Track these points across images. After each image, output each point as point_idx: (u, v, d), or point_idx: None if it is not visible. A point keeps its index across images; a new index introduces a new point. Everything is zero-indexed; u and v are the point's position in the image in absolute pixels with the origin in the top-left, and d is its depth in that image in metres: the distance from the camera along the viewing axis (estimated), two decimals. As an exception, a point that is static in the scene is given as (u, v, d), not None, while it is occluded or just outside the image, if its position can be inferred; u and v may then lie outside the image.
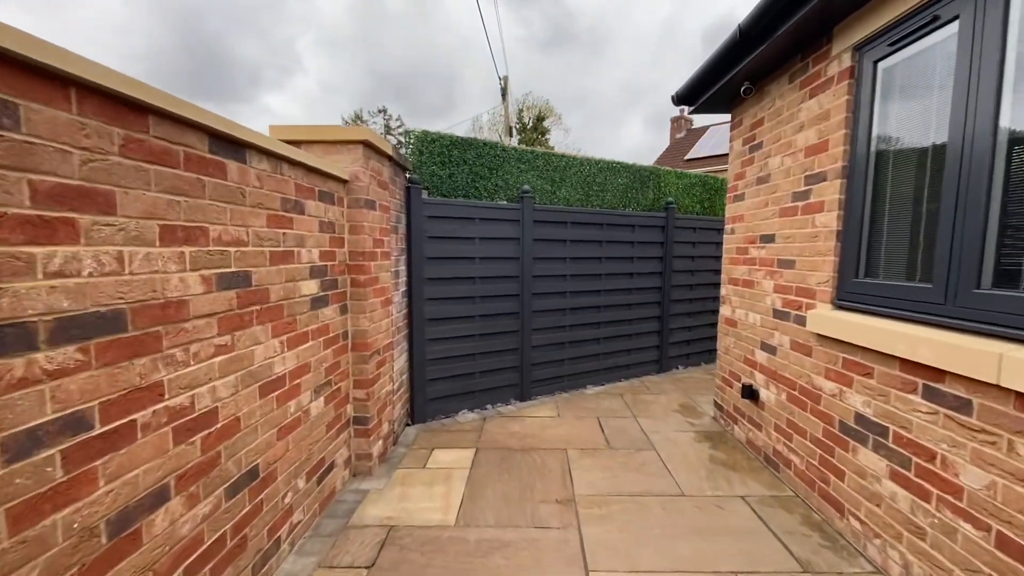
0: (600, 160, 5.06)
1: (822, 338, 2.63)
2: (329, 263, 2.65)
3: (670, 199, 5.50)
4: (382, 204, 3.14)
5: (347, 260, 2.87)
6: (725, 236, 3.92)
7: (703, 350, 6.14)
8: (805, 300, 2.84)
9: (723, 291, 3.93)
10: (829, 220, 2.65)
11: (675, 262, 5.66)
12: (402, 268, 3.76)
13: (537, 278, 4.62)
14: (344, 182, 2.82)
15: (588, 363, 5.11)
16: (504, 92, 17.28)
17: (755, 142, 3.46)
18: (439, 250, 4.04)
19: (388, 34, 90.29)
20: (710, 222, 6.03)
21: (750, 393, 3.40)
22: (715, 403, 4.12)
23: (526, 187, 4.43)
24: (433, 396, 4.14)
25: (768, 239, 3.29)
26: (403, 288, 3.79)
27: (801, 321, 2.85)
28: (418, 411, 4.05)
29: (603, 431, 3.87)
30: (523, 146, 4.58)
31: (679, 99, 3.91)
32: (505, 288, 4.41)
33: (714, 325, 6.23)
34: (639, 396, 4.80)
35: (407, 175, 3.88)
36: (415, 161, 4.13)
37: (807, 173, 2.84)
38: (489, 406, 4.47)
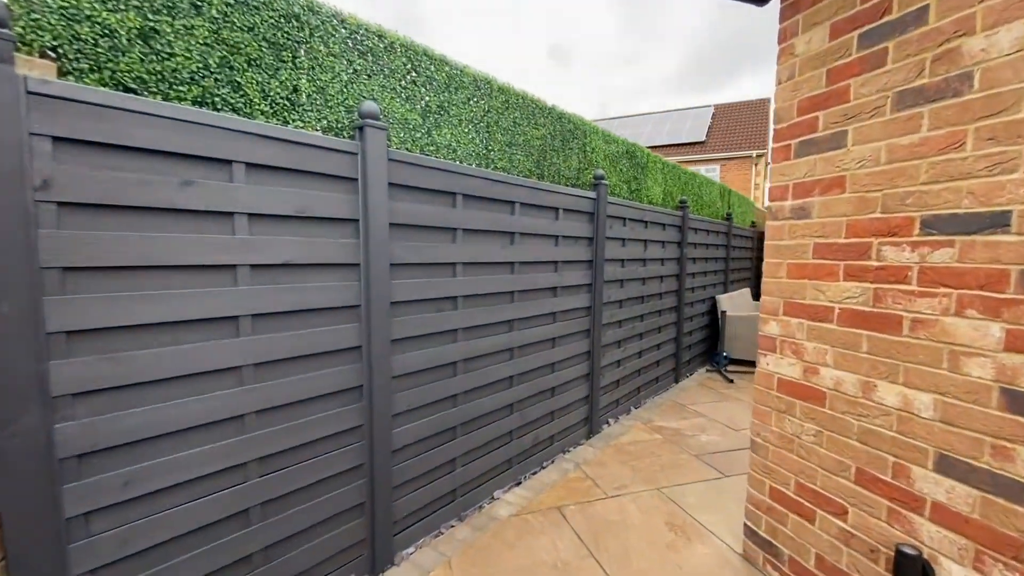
0: (507, 88, 2.84)
1: None
2: None
3: (599, 171, 3.57)
4: None
5: None
6: (777, 225, 2.05)
7: (631, 390, 4.39)
8: None
9: (771, 327, 2.06)
10: None
11: (607, 268, 3.75)
12: None
13: (400, 309, 2.18)
14: None
15: (496, 453, 2.84)
16: None
17: (898, 15, 1.61)
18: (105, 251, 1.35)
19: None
20: (666, 216, 4.31)
21: (909, 569, 1.54)
22: (747, 527, 2.25)
23: (368, 106, 1.96)
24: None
25: (973, 222, 1.45)
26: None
27: None
28: None
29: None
30: (365, 22, 2.07)
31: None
32: (318, 341, 1.88)
33: (655, 349, 4.58)
34: (590, 508, 2.71)
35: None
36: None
37: None
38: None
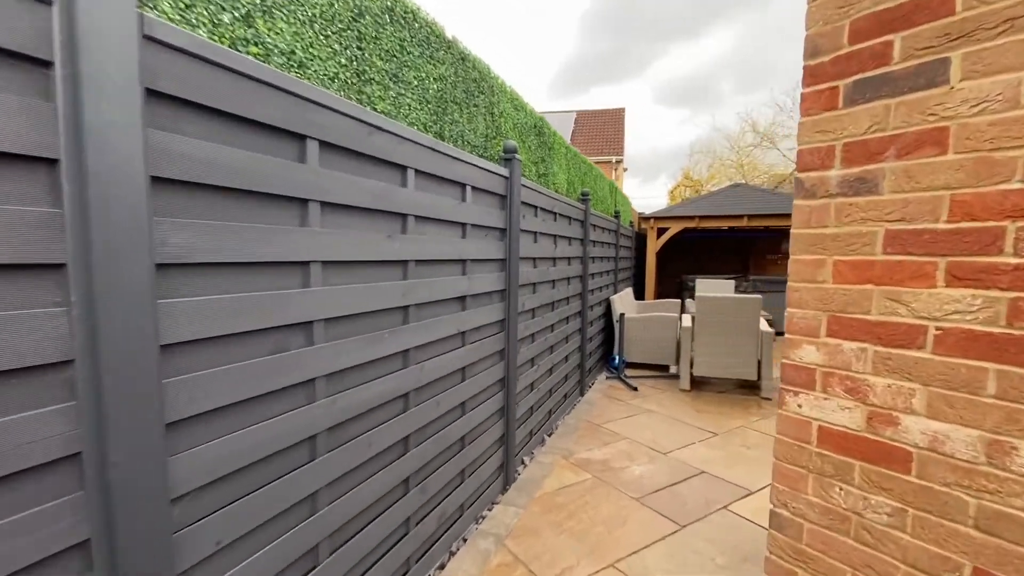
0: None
1: None
2: None
3: (511, 142, 2.73)
4: None
5: None
6: (814, 207, 1.41)
7: (544, 415, 3.66)
8: None
9: (807, 353, 1.42)
10: None
11: (521, 269, 2.93)
12: None
13: (182, 357, 1.04)
14: None
15: (384, 562, 1.80)
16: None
17: None
18: None
19: None
20: (573, 208, 3.59)
21: None
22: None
23: None
24: None
25: None
26: None
27: None
28: None
29: None
30: None
31: None
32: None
33: (563, 361, 3.86)
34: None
35: None
36: None
37: None
38: None
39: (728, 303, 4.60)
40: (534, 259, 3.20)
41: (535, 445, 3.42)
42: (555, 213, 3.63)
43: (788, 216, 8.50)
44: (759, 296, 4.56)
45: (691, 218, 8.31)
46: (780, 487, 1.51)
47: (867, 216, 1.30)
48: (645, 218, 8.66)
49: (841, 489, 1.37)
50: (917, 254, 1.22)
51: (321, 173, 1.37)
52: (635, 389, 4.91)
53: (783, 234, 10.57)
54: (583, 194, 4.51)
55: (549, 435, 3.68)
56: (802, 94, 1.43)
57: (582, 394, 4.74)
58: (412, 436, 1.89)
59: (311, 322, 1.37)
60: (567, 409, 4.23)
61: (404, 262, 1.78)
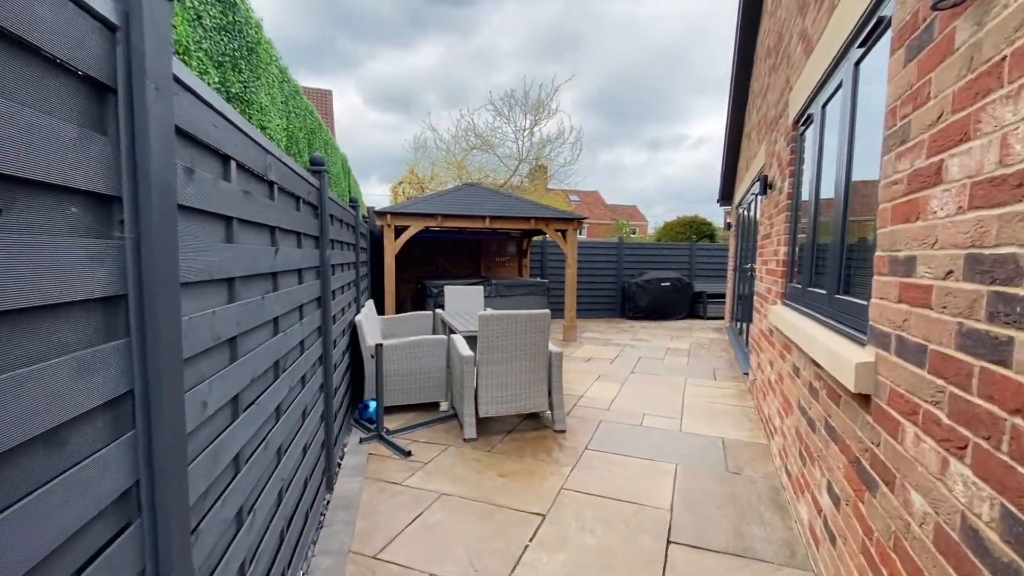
0: None
1: None
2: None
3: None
4: None
5: None
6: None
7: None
8: None
9: None
10: None
11: (191, 308, 1.06)
12: None
13: None
14: None
15: None
16: None
17: None
18: None
19: None
20: (298, 181, 1.74)
21: None
22: None
23: None
24: None
25: None
26: None
27: None
28: None
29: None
30: None
31: None
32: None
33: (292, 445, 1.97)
34: None
35: None
36: None
37: None
38: None
39: (517, 322, 3.67)
40: (229, 280, 1.36)
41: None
42: (271, 183, 1.81)
43: (527, 219, 8.55)
44: (546, 311, 3.80)
45: (434, 216, 7.31)
46: None
47: None
48: (380, 213, 7.16)
49: None
50: None
51: None
52: (408, 454, 3.43)
53: (510, 237, 10.92)
54: (314, 161, 2.73)
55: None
56: None
57: (331, 487, 2.95)
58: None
59: None
60: (311, 532, 2.41)
61: None
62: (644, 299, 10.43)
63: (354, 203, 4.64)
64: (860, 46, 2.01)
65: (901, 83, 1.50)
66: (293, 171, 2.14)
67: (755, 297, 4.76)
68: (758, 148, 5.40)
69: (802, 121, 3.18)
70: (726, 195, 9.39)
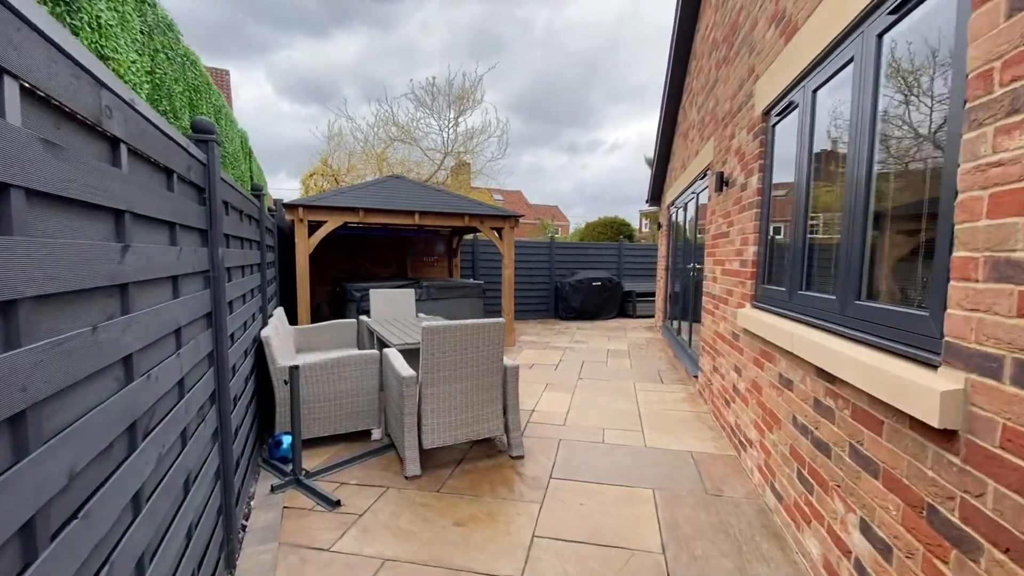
0: None
1: None
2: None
3: None
4: None
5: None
6: None
7: None
8: None
9: None
10: None
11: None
12: None
13: None
14: None
15: None
16: None
17: None
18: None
19: None
20: (166, 145, 1.03)
21: None
22: None
23: None
24: None
25: None
26: None
27: None
28: None
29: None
30: None
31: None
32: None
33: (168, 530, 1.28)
34: None
35: None
36: None
37: None
38: None
39: (467, 332, 3.12)
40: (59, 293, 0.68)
41: None
42: (114, 139, 1.12)
43: (460, 216, 7.91)
44: (501, 320, 3.29)
45: (354, 211, 6.47)
46: None
47: None
48: (291, 206, 6.18)
49: None
50: None
51: None
52: (337, 504, 2.74)
53: (439, 235, 10.23)
54: (199, 127, 1.98)
55: None
56: None
57: (231, 565, 2.20)
58: None
59: None
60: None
61: None
62: (576, 299, 10.30)
63: (258, 191, 3.79)
64: (892, 12, 1.74)
65: (999, 40, 1.20)
66: (160, 130, 1.42)
67: (706, 298, 4.63)
68: (701, 146, 5.31)
69: (775, 111, 2.98)
70: (656, 196, 9.51)
